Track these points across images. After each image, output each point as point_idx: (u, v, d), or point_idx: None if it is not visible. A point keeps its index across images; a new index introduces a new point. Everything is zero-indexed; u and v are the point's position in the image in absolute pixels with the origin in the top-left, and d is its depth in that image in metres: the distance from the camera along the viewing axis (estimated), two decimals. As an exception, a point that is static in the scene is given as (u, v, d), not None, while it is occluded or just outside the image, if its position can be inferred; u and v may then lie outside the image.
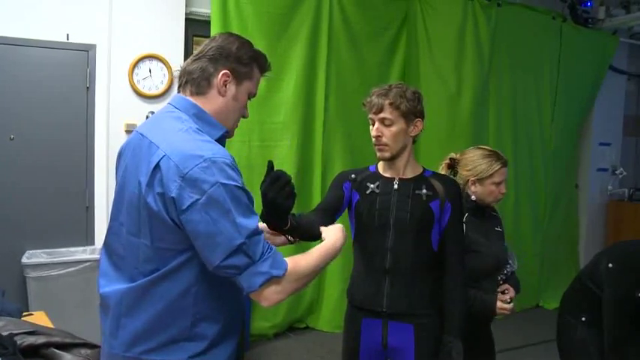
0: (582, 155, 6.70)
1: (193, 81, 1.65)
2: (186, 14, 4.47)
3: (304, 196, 4.69)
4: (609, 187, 6.79)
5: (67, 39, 4.06)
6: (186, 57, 4.46)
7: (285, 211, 1.77)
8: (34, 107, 4.01)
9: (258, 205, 1.65)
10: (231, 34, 1.72)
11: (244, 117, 1.76)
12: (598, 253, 2.51)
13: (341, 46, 4.90)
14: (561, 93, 6.06)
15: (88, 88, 4.16)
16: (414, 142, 2.19)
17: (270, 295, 1.52)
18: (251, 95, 1.73)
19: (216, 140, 1.60)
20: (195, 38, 4.77)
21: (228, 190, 1.45)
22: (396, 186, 2.16)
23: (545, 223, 6.13)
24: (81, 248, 4.12)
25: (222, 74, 1.64)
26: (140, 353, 1.54)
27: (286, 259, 1.56)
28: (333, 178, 2.31)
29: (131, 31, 4.24)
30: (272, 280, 1.50)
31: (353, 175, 2.24)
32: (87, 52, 4.14)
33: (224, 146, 1.65)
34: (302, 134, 4.71)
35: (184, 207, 1.44)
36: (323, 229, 1.83)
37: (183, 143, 1.51)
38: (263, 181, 1.71)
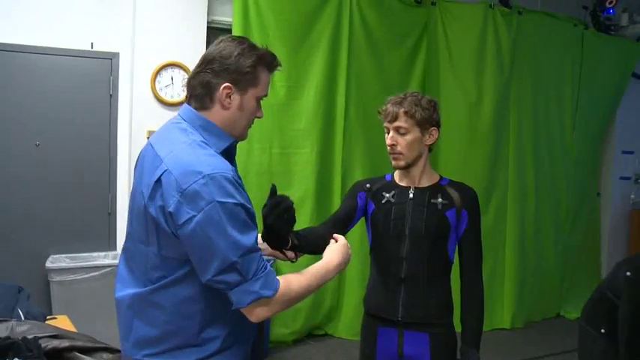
0: (604, 163, 6.63)
1: (196, 97, 1.65)
2: (207, 22, 4.52)
3: (324, 203, 4.71)
4: (632, 196, 6.71)
5: (92, 47, 4.14)
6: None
7: (283, 235, 1.78)
8: (59, 114, 4.09)
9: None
10: (233, 39, 1.68)
11: (258, 117, 1.73)
12: (618, 262, 2.49)
13: (361, 54, 4.91)
14: (583, 101, 6.01)
15: (111, 95, 4.23)
16: (430, 150, 2.18)
17: (258, 313, 1.54)
18: (260, 98, 1.70)
19: (225, 148, 1.64)
20: (216, 46, 4.81)
21: (224, 208, 1.46)
22: (411, 195, 2.15)
23: (567, 232, 6.07)
24: (103, 253, 4.17)
25: (224, 88, 1.62)
26: (144, 356, 1.59)
27: (280, 277, 1.57)
28: (349, 188, 2.32)
29: (154, 40, 4.30)
30: (261, 300, 1.52)
31: (368, 185, 2.24)
32: (110, 60, 4.21)
33: (234, 151, 1.72)
34: (322, 141, 4.73)
35: (180, 222, 1.46)
36: (328, 248, 1.82)
37: (185, 157, 1.52)
38: (264, 205, 1.71)
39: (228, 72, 1.62)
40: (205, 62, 1.65)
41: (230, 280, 1.49)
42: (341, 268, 1.76)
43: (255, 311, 1.54)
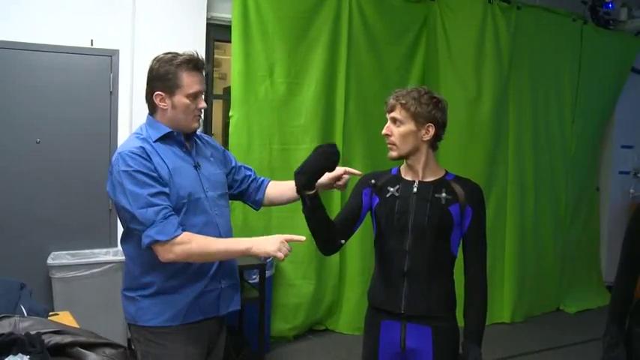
0: (603, 158, 6.65)
1: (148, 106, 2.17)
2: (207, 19, 4.52)
3: (324, 199, 4.68)
4: (631, 190, 6.71)
5: (92, 45, 4.14)
6: (207, 61, 4.50)
7: (316, 172, 2.03)
8: (59, 112, 4.10)
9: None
10: (166, 54, 2.13)
11: (200, 108, 2.14)
12: None
13: (361, 50, 4.92)
14: (582, 95, 6.02)
15: (111, 92, 4.24)
16: (433, 147, 2.19)
17: (160, 253, 1.98)
18: (191, 95, 2.09)
19: (163, 135, 2.11)
20: (216, 43, 4.82)
21: (126, 174, 1.99)
22: (415, 189, 2.16)
23: (566, 227, 6.08)
24: (104, 250, 4.19)
25: (156, 96, 2.11)
26: (121, 290, 2.19)
27: (187, 233, 1.98)
28: (355, 184, 2.33)
29: (153, 37, 4.28)
30: (158, 242, 1.96)
31: (373, 181, 2.25)
32: (110, 57, 4.21)
33: (180, 138, 2.15)
34: (322, 137, 4.72)
35: (108, 188, 2.07)
36: (267, 237, 2.05)
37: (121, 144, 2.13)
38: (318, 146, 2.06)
39: (154, 81, 2.11)
40: (146, 80, 2.14)
41: (136, 227, 1.98)
42: (249, 254, 2.03)
43: (157, 251, 1.98)
